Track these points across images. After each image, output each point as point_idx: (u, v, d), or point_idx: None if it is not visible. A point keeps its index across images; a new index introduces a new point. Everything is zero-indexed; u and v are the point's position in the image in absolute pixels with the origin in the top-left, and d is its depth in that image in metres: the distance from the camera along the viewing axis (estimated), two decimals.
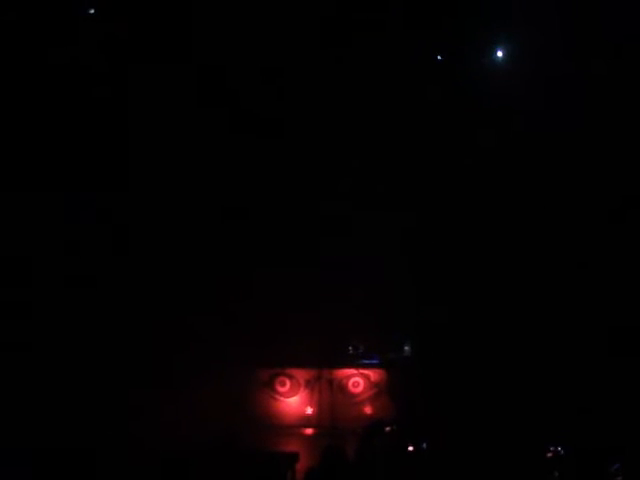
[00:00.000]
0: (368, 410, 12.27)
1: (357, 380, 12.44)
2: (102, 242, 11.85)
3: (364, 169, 12.48)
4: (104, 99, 11.75)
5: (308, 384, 12.49)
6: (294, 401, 12.48)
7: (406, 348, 12.69)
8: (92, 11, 11.51)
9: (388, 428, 9.76)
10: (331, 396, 12.42)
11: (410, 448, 9.21)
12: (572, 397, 10.58)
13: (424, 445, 9.26)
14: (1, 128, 11.27)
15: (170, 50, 11.67)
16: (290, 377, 12.49)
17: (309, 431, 12.28)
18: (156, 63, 11.69)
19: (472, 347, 11.76)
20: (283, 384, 12.48)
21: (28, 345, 10.95)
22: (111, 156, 11.90)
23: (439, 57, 12.38)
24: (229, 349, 11.90)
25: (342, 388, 12.44)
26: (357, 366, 12.55)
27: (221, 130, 12.08)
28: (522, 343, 11.44)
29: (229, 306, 12.09)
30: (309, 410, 12.40)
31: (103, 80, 11.66)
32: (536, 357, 11.25)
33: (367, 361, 12.67)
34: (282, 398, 12.49)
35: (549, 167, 11.81)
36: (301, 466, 9.22)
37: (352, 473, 8.16)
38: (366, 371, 12.50)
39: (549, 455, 8.56)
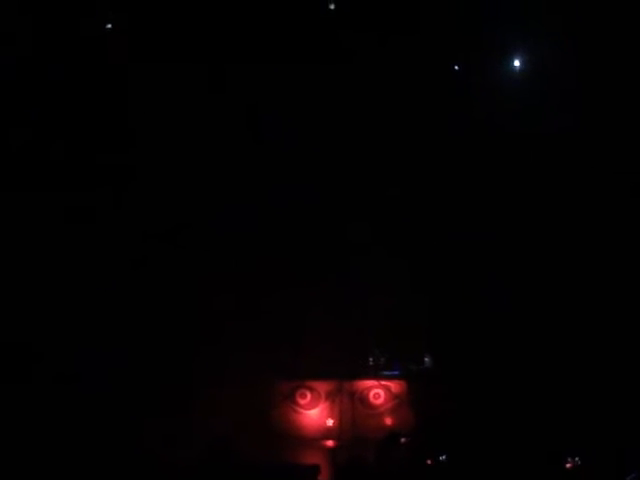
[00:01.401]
0: (389, 421, 12.24)
1: (378, 392, 12.40)
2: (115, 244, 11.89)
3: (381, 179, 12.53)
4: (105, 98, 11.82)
5: (329, 396, 12.47)
6: (315, 413, 12.47)
7: (427, 359, 12.67)
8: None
9: (404, 439, 9.74)
10: (352, 408, 12.41)
11: (428, 461, 9.18)
12: (592, 408, 10.52)
13: (443, 457, 9.23)
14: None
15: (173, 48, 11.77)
16: (311, 389, 12.48)
17: (330, 443, 12.26)
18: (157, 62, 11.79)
19: (493, 359, 11.74)
20: (304, 396, 12.47)
21: (33, 346, 10.99)
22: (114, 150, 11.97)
23: (456, 67, 12.44)
24: (250, 361, 11.94)
25: (363, 400, 12.41)
26: (378, 377, 12.54)
27: (238, 136, 12.17)
28: (543, 355, 11.39)
29: (251, 318, 12.15)
30: (330, 422, 12.38)
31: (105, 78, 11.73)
32: (557, 370, 11.21)
33: (388, 372, 12.65)
34: (303, 410, 12.49)
35: (561, 175, 11.81)
36: (322, 478, 9.23)
37: None
38: (387, 382, 12.47)
39: (568, 466, 8.51)
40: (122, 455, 9.24)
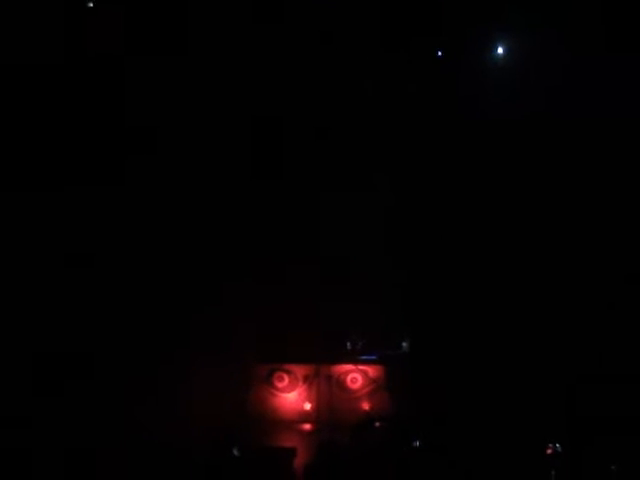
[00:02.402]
0: (366, 406, 12.27)
1: (355, 376, 12.42)
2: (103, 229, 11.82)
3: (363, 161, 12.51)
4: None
5: (306, 380, 12.48)
6: (292, 396, 12.48)
7: (404, 344, 12.69)
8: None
9: (378, 424, 9.75)
10: (329, 392, 12.42)
11: (403, 444, 9.20)
12: (572, 394, 10.60)
13: (417, 443, 9.25)
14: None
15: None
16: (288, 372, 12.47)
17: (307, 426, 12.28)
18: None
19: (471, 343, 11.78)
20: (281, 379, 12.47)
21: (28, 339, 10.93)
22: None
23: (439, 53, 12.41)
24: (227, 344, 11.91)
25: (340, 384, 12.42)
26: (355, 362, 12.55)
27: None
28: (521, 338, 11.45)
29: (227, 301, 12.10)
30: (307, 406, 12.39)
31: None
32: (536, 353, 11.27)
33: (365, 357, 12.66)
34: (280, 393, 12.49)
35: (547, 163, 11.84)
36: (299, 461, 9.23)
37: (345, 468, 8.17)
38: (364, 367, 12.48)
39: (548, 452, 8.55)
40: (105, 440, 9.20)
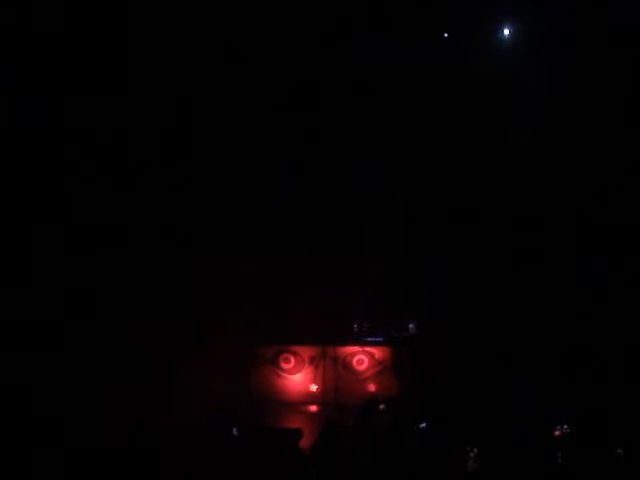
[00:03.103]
0: (372, 388, 12.27)
1: (361, 358, 12.42)
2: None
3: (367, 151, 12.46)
4: None
5: (312, 361, 12.49)
6: (298, 378, 12.49)
7: (411, 326, 12.67)
8: None
9: (382, 406, 9.74)
10: (335, 373, 12.42)
11: (409, 426, 9.18)
12: (579, 376, 10.58)
13: (423, 425, 9.22)
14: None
15: None
16: (294, 354, 12.49)
17: (313, 408, 12.29)
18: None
19: (477, 325, 11.76)
20: (287, 361, 12.48)
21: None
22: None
23: (445, 34, 12.32)
24: (234, 326, 11.90)
25: (346, 365, 12.43)
26: (362, 344, 12.54)
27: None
28: (529, 319, 11.42)
29: (235, 283, 12.08)
30: (313, 387, 12.40)
31: None
32: (543, 335, 11.25)
33: (372, 339, 12.66)
34: (286, 375, 12.50)
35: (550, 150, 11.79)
36: (305, 442, 9.22)
37: (348, 449, 8.15)
38: (370, 349, 12.48)
39: (557, 433, 8.53)
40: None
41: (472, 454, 8.14)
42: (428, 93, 12.03)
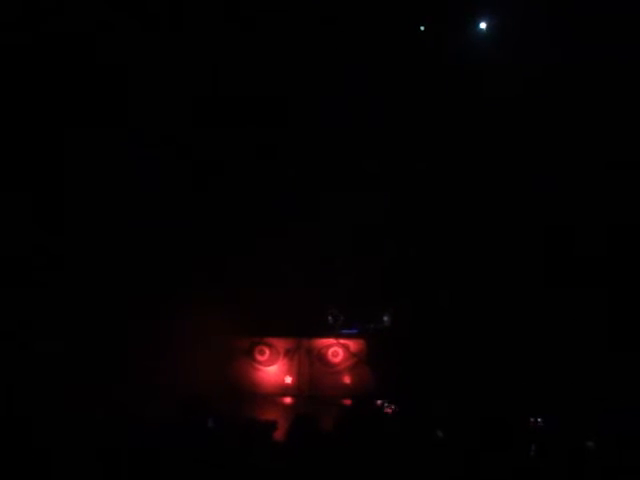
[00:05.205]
0: (347, 380, 12.30)
1: (336, 350, 12.44)
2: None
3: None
4: None
5: (287, 353, 12.50)
6: (273, 370, 12.49)
7: (386, 318, 12.72)
8: None
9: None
10: (310, 365, 12.45)
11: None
12: (556, 367, 10.67)
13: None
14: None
15: None
16: (269, 346, 12.49)
17: (288, 400, 12.30)
18: None
19: (452, 317, 11.81)
20: (262, 353, 12.47)
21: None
22: None
23: (422, 27, 12.34)
24: (208, 317, 11.86)
25: (321, 357, 12.44)
26: (336, 336, 12.56)
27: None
28: (505, 310, 11.49)
29: (209, 274, 12.06)
30: (288, 379, 12.42)
31: None
32: (519, 325, 11.32)
33: (346, 331, 12.68)
34: (261, 367, 12.50)
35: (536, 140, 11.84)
36: (279, 434, 9.22)
37: (328, 443, 8.13)
38: (345, 341, 12.50)
39: (530, 425, 8.60)
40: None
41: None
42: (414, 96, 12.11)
